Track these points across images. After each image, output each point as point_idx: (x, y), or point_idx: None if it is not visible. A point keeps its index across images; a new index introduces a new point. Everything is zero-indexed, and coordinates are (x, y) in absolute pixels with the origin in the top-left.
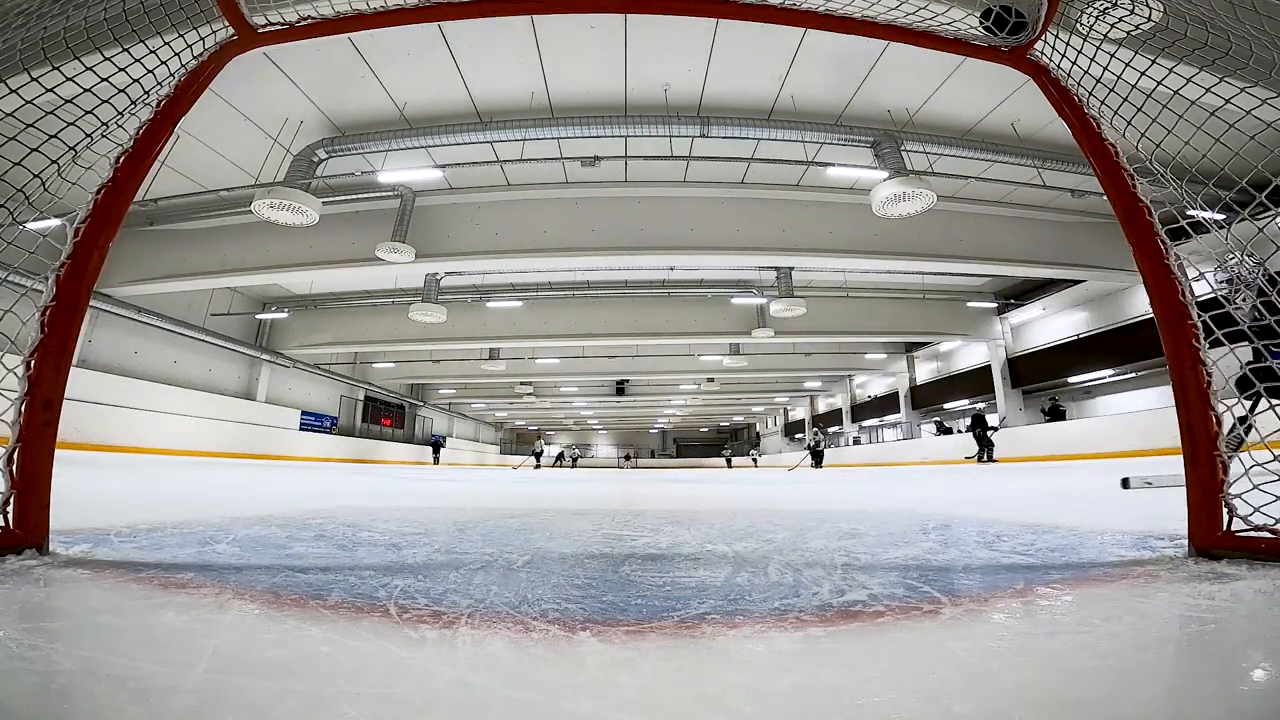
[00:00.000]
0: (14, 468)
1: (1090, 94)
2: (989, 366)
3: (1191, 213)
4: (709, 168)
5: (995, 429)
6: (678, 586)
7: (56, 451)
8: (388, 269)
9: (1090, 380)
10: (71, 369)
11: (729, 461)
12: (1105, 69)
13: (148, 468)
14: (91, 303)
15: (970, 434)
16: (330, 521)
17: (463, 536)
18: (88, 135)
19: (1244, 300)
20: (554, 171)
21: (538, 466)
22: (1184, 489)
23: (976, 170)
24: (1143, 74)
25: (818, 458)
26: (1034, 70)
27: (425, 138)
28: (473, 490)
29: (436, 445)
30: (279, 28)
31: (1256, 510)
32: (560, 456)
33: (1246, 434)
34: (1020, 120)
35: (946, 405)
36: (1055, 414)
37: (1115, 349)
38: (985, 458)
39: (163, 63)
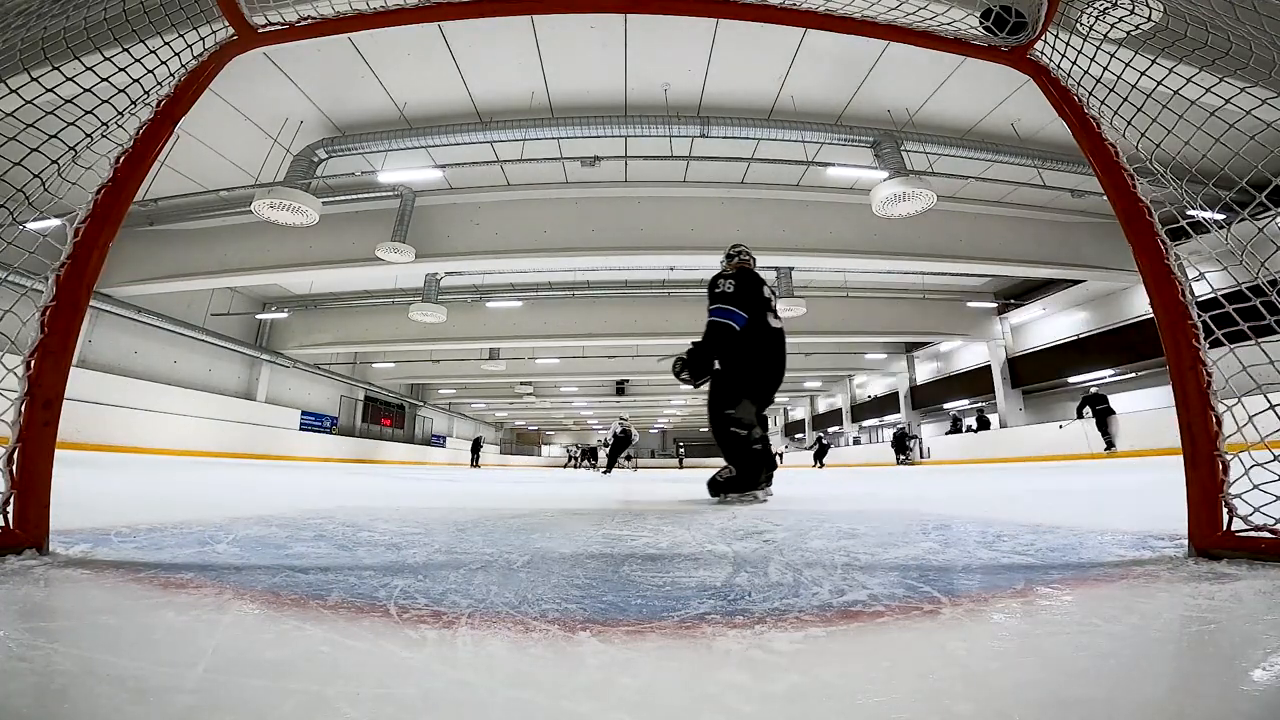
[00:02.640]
0: (14, 468)
1: (1090, 94)
2: (989, 366)
3: (1191, 213)
4: (709, 168)
5: (1106, 404)
6: (677, 586)
7: (56, 451)
8: (388, 269)
9: (1090, 380)
10: (71, 369)
11: (680, 462)
12: (1105, 69)
13: (147, 468)
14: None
15: (1088, 418)
16: (330, 521)
17: (463, 536)
18: (88, 135)
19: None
20: (554, 171)
21: (576, 465)
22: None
23: (976, 170)
24: (1143, 74)
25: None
26: (1034, 70)
27: (425, 138)
28: (472, 490)
29: (476, 445)
30: (279, 28)
31: (1256, 510)
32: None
33: None
34: (1020, 120)
35: (946, 405)
36: (982, 424)
37: (1115, 349)
38: (1109, 446)
39: (163, 63)
